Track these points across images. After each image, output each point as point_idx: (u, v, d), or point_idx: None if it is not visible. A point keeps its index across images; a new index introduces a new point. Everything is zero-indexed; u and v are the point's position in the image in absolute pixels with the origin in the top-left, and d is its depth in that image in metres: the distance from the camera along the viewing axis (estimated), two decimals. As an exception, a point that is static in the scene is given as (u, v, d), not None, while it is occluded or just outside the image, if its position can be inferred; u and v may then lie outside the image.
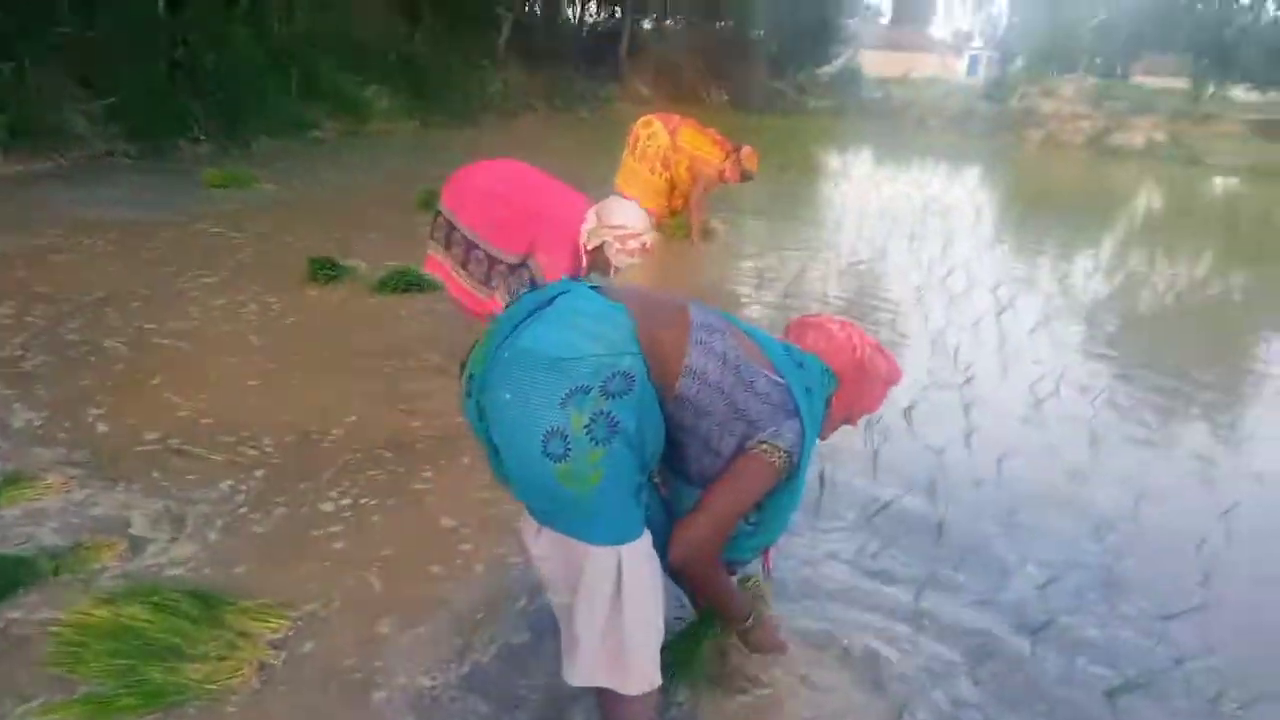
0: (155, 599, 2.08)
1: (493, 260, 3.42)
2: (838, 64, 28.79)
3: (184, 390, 3.42)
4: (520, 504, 1.74)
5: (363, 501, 2.74)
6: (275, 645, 2.04)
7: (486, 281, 3.45)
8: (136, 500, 2.62)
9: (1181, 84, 27.03)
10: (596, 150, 9.86)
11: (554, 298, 1.69)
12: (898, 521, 2.87)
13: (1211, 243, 9.39)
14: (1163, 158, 17.88)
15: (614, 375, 1.57)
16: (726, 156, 6.29)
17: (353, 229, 6.26)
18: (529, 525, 1.76)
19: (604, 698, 1.76)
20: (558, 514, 1.64)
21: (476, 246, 3.44)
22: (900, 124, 22.06)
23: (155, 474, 2.78)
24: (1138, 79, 32.46)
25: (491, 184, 3.48)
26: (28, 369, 3.55)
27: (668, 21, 25.37)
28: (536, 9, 21.01)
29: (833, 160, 14.56)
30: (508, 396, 1.57)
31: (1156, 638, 2.38)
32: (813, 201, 9.54)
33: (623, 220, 3.13)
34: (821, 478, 3.04)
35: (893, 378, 2.03)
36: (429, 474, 2.97)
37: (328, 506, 2.69)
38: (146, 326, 4.08)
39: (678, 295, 1.84)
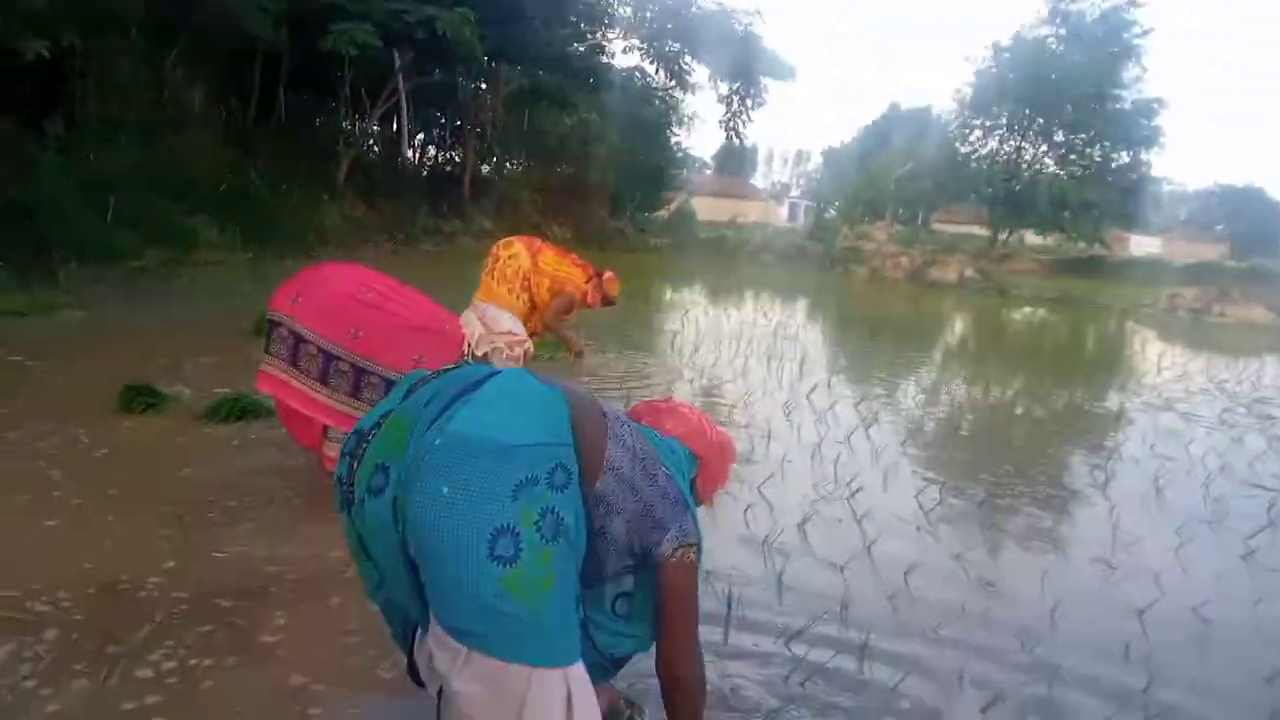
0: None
1: (361, 372, 3.05)
2: (672, 207, 30.31)
3: (-46, 537, 2.77)
4: (386, 639, 1.44)
5: (191, 663, 2.20)
6: None
7: (355, 394, 3.09)
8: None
9: (976, 230, 30.02)
10: (445, 280, 9.54)
11: (482, 380, 1.48)
12: (818, 647, 2.59)
13: (1041, 362, 10.04)
14: (974, 290, 19.42)
15: (556, 467, 1.39)
16: (588, 280, 6.14)
17: (176, 356, 5.61)
18: (444, 652, 1.38)
19: None
20: (494, 633, 1.33)
21: (337, 358, 3.07)
22: (736, 260, 23.08)
23: (-96, 644, 2.15)
24: (937, 225, 35.88)
25: (351, 291, 3.17)
26: None
27: (508, 165, 25.91)
28: (374, 149, 20.92)
29: (679, 291, 14.88)
30: (445, 490, 1.31)
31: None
32: (667, 328, 9.53)
33: (509, 326, 2.97)
34: (729, 604, 2.74)
35: (733, 455, 2.04)
36: (282, 622, 2.46)
37: (145, 672, 2.14)
38: (-87, 465, 3.37)
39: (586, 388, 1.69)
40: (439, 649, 1.40)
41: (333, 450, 3.25)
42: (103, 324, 6.74)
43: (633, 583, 1.72)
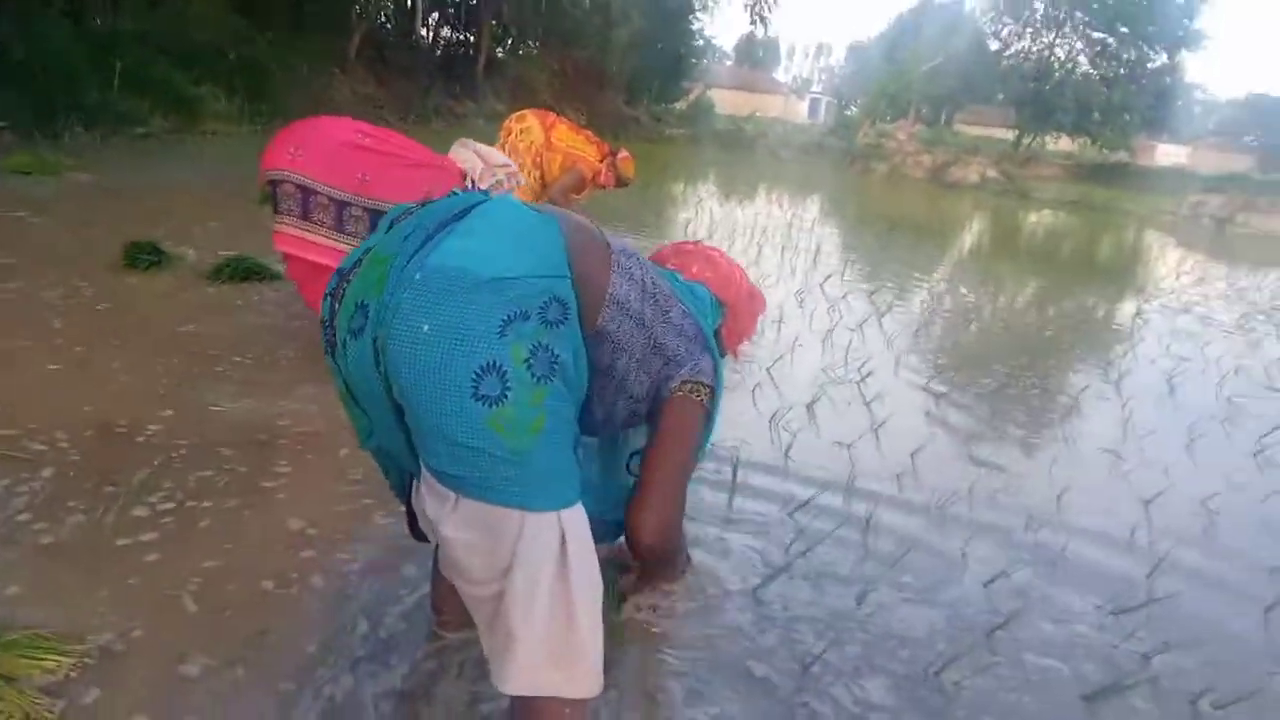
0: (-119, 630, 1.50)
1: (375, 214, 3.04)
2: (690, 97, 29.51)
3: (-46, 377, 2.74)
4: (386, 488, 1.39)
5: (189, 505, 2.18)
6: (49, 691, 1.51)
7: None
8: None
9: (999, 133, 29.15)
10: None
11: (469, 208, 1.35)
12: (822, 519, 2.56)
13: (1058, 264, 9.86)
14: (995, 192, 19.02)
15: (551, 301, 1.27)
16: (602, 158, 5.94)
17: (183, 219, 5.50)
18: (435, 499, 1.32)
19: (527, 711, 1.36)
20: (484, 477, 1.24)
21: (349, 204, 3.05)
22: (754, 154, 22.61)
23: (-99, 473, 2.13)
24: (960, 127, 34.88)
25: (349, 138, 3.11)
26: None
27: (523, 47, 25.11)
28: (388, 23, 20.26)
29: (694, 182, 14.58)
30: (426, 327, 1.20)
31: (1116, 634, 2.16)
32: (680, 216, 9.34)
33: (505, 160, 3.00)
34: (733, 473, 2.72)
35: (763, 306, 2.01)
36: (285, 469, 2.45)
37: (142, 511, 2.12)
38: (-89, 309, 3.32)
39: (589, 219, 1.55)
40: (430, 495, 1.34)
41: None
42: (108, 186, 6.60)
43: (647, 438, 1.65)
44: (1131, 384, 4.46)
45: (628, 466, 1.87)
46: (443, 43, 23.06)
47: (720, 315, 1.84)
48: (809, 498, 2.64)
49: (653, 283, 1.53)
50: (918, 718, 1.77)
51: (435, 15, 22.54)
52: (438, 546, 1.49)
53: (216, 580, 1.90)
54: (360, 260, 1.35)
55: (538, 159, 5.81)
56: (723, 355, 1.85)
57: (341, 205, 3.07)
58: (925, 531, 2.59)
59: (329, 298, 1.38)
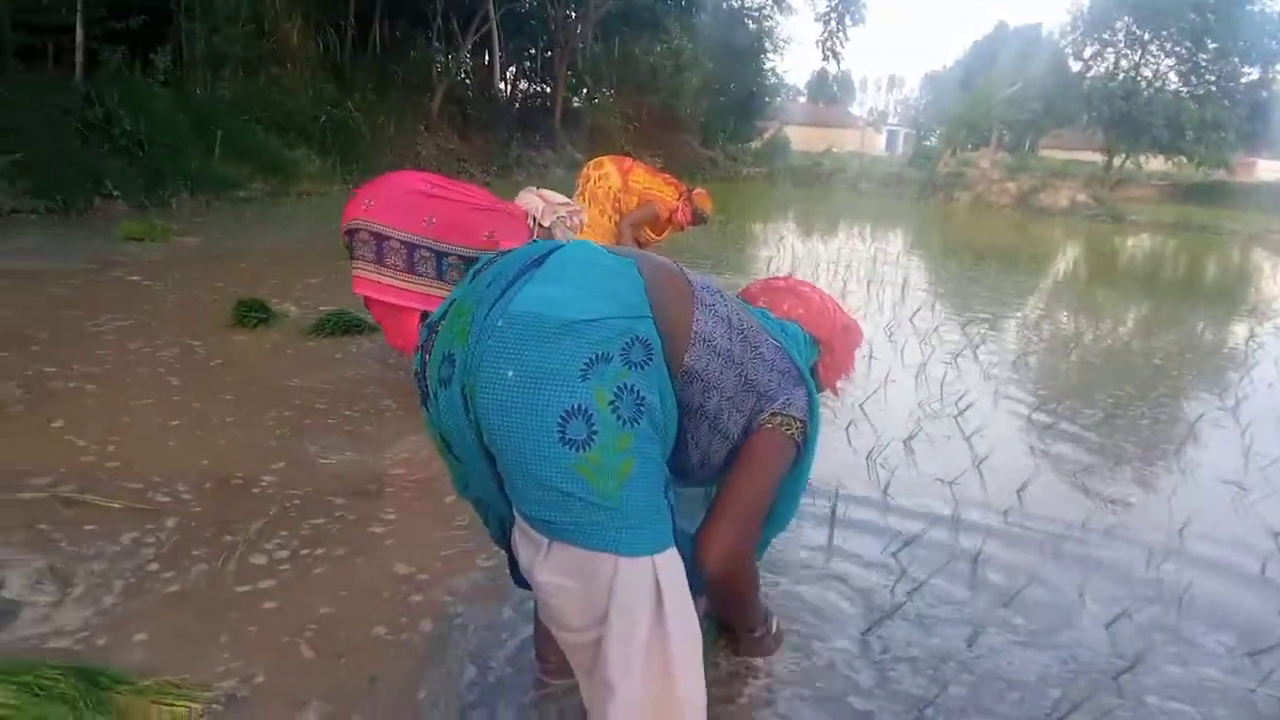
0: (28, 679, 1.57)
1: (440, 255, 3.33)
2: (765, 136, 29.58)
3: (88, 433, 2.90)
4: (484, 530, 1.41)
5: (304, 553, 2.25)
6: (181, 734, 1.56)
7: (440, 276, 3.35)
8: (11, 557, 2.09)
9: (1086, 156, 28.27)
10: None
11: (545, 255, 1.36)
12: (926, 558, 2.49)
13: (1161, 288, 9.49)
14: (1087, 217, 18.44)
15: (634, 342, 1.27)
16: (679, 196, 6.01)
17: (283, 277, 5.76)
18: (528, 545, 1.34)
19: None
20: (575, 522, 1.25)
21: (419, 247, 3.32)
22: (832, 188, 22.47)
23: (42, 525, 2.26)
24: (1045, 152, 34.00)
25: (418, 187, 3.40)
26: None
27: (598, 95, 25.63)
28: (468, 79, 20.94)
29: (773, 219, 14.56)
30: (510, 374, 1.22)
31: (1252, 677, 2.03)
32: (762, 253, 9.33)
33: (564, 199, 3.23)
34: (832, 512, 2.67)
35: (860, 340, 1.94)
36: (392, 516, 2.52)
37: (259, 559, 2.20)
38: (46, 369, 3.52)
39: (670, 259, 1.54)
40: (523, 540, 1.36)
41: None
42: (214, 249, 6.95)
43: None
44: (1250, 410, 4.23)
45: None
46: (520, 95, 23.71)
47: (816, 352, 1.81)
48: (913, 536, 2.57)
49: (740, 318, 1.51)
50: (1045, 766, 1.69)
51: (513, 69, 23.22)
52: None
53: (330, 626, 1.95)
54: (447, 312, 1.39)
55: (615, 202, 5.91)
56: (820, 392, 1.81)
57: (411, 248, 3.32)
58: (1037, 569, 2.49)
59: (420, 350, 1.43)
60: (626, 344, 1.26)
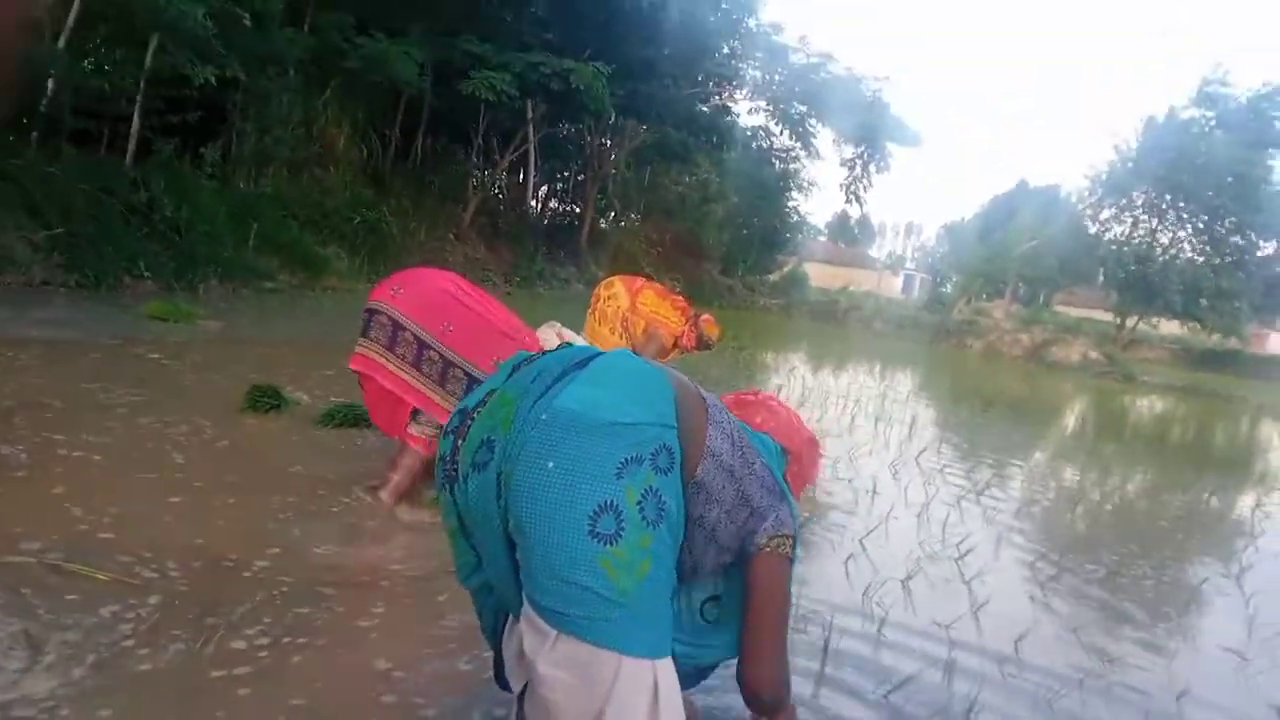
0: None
1: (448, 364, 3.24)
2: (784, 270, 30.24)
3: (88, 502, 2.90)
4: (475, 635, 1.40)
5: (285, 641, 2.22)
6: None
7: (441, 384, 3.25)
8: (-12, 619, 2.06)
9: (1099, 314, 28.66)
10: (555, 318, 9.73)
11: (590, 359, 1.47)
12: (920, 702, 2.43)
13: (1169, 450, 9.45)
14: (1098, 374, 18.53)
15: (662, 449, 1.36)
16: (686, 321, 6.12)
17: (299, 366, 5.84)
18: (533, 635, 1.35)
19: None
20: (587, 616, 1.29)
21: (430, 347, 3.24)
22: (846, 326, 22.78)
23: (24, 589, 2.24)
24: (1059, 307, 34.49)
25: (448, 289, 3.35)
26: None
27: (626, 218, 26.42)
28: (501, 195, 21.68)
29: (786, 351, 14.73)
30: (551, 464, 1.30)
31: None
32: (772, 381, 9.40)
33: (583, 342, 3.12)
34: (825, 643, 2.62)
35: (821, 449, 2.04)
36: (380, 610, 2.48)
37: (239, 644, 2.17)
38: (55, 437, 3.55)
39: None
40: (529, 631, 1.37)
41: (416, 430, 3.34)
42: (236, 334, 7.09)
43: (723, 586, 1.65)
44: (1254, 579, 4.16)
45: (702, 613, 1.85)
46: (550, 213, 24.48)
47: (785, 462, 1.84)
48: (906, 678, 2.51)
49: (739, 436, 1.57)
50: None
51: (545, 189, 24.05)
52: (520, 696, 1.49)
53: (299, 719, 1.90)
54: (485, 400, 1.45)
55: (624, 323, 6.03)
56: None
57: (422, 346, 3.24)
58: (1032, 724, 2.42)
59: (451, 434, 1.47)
60: (656, 450, 1.34)
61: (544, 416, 1.33)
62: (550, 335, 3.56)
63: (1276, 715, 2.68)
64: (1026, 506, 5.14)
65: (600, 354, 1.50)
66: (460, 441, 1.44)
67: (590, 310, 6.17)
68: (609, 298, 6.12)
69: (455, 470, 1.44)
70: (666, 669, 1.36)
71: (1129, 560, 4.28)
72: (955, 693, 2.52)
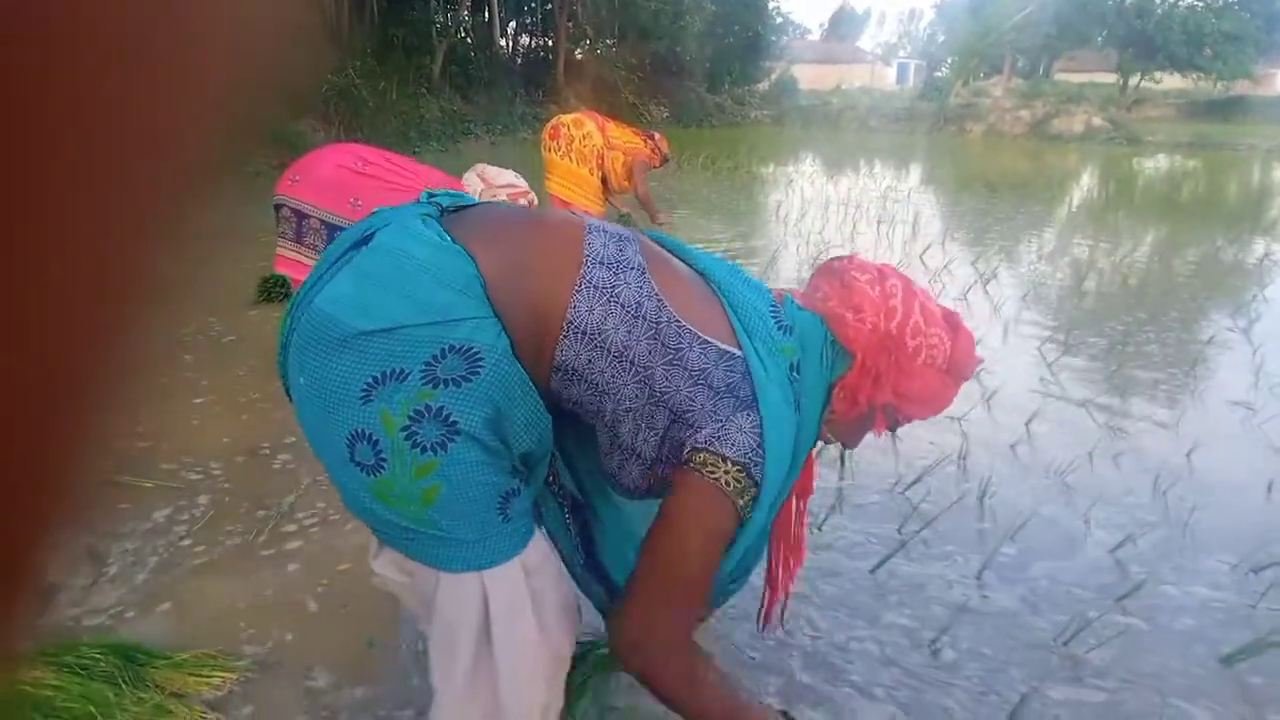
0: (68, 659, 1.66)
1: None
2: (772, 77, 29.12)
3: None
4: None
5: (333, 518, 2.34)
6: (213, 705, 1.64)
7: None
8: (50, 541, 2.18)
9: (1102, 77, 27.69)
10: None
11: (373, 233, 1.12)
12: (935, 497, 2.55)
13: (1177, 212, 9.37)
14: (1103, 141, 18.13)
15: (444, 353, 1.03)
16: (646, 143, 6.09)
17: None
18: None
19: None
20: (384, 531, 1.14)
21: (339, 228, 3.11)
22: (842, 127, 22.19)
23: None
24: (1059, 76, 33.28)
25: (349, 164, 3.18)
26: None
27: (600, 46, 25.30)
28: (469, 37, 20.72)
29: (783, 161, 14.44)
30: (302, 380, 1.07)
31: (1250, 595, 2.08)
32: (771, 198, 9.30)
33: (510, 180, 2.95)
34: (842, 456, 2.72)
35: (963, 367, 1.29)
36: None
37: (290, 527, 2.29)
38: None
39: (577, 217, 1.23)
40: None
41: None
42: (228, 225, 6.99)
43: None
44: (1262, 330, 4.23)
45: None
46: (522, 51, 23.46)
47: (841, 364, 1.28)
48: (919, 475, 2.63)
49: (654, 308, 1.14)
50: (1051, 685, 1.75)
51: (513, 25, 22.96)
52: None
53: (343, 583, 2.04)
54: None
55: (600, 160, 5.97)
56: (821, 438, 1.36)
57: (332, 229, 3.14)
58: (1045, 501, 2.54)
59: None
60: (432, 357, 1.03)
61: (303, 318, 1.08)
62: (472, 179, 3.28)
63: (1278, 456, 2.79)
64: (1035, 289, 5.17)
65: (388, 225, 1.13)
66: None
67: (560, 152, 6.05)
68: (583, 137, 6.01)
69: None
70: (501, 579, 1.14)
71: (1135, 329, 4.34)
72: (970, 480, 2.63)
